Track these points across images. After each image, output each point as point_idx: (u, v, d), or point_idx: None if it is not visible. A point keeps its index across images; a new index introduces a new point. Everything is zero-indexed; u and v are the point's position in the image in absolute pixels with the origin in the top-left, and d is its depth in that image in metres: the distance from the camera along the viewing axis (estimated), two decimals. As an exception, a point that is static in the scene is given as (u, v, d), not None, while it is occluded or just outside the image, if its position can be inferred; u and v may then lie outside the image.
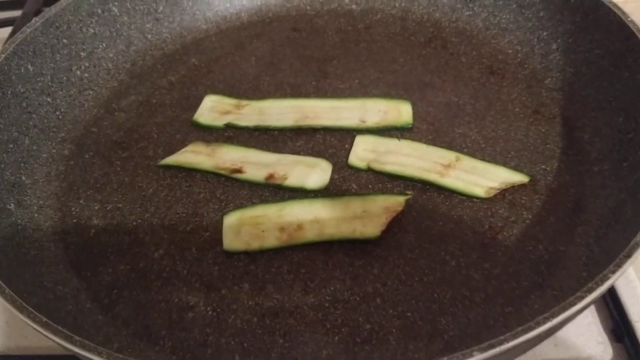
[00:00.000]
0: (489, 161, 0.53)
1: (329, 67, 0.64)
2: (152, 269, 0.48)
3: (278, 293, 0.46)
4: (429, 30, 0.67)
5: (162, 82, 0.64)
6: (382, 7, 0.71)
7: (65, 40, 0.61)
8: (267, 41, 0.68)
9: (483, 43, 0.65)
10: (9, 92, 0.55)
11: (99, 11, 0.64)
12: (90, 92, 0.62)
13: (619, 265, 0.36)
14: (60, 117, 0.59)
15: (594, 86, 0.55)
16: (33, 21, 0.58)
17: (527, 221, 0.49)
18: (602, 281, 0.35)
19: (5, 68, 0.55)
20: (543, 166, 0.52)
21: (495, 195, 0.50)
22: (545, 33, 0.61)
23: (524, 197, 0.50)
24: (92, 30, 0.63)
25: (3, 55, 0.55)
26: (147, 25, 0.67)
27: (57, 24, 0.60)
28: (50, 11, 0.60)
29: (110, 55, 0.65)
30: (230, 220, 0.50)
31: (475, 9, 0.67)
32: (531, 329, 0.33)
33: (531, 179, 0.51)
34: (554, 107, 0.57)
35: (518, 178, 0.51)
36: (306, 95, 0.61)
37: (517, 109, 0.58)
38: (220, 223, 0.50)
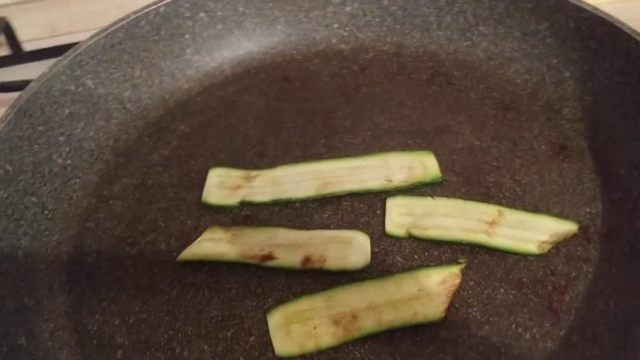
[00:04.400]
0: (532, 211, 0.50)
1: (335, 120, 0.60)
2: (201, 391, 0.42)
3: (350, 400, 0.41)
4: (428, 65, 0.64)
5: (154, 158, 0.58)
6: (372, 44, 0.67)
7: (40, 128, 0.54)
8: (259, 95, 0.63)
9: (488, 75, 0.62)
10: (-6, 201, 0.48)
11: (73, 87, 0.57)
12: (77, 181, 0.56)
13: None
14: (49, 216, 0.52)
15: (619, 115, 0.54)
16: (4, 114, 0.51)
17: (590, 275, 0.46)
18: None
19: (-17, 176, 0.48)
20: (587, 209, 0.50)
21: (549, 251, 0.47)
22: (555, 60, 0.59)
23: (578, 248, 0.48)
24: (67, 110, 0.56)
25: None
26: (125, 94, 0.61)
27: (30, 112, 0.53)
28: (21, 99, 0.52)
29: (91, 134, 0.58)
30: (275, 319, 0.45)
31: (473, 38, 0.64)
32: None
33: (580, 226, 0.49)
34: (580, 139, 0.55)
35: (567, 227, 0.49)
36: (319, 156, 0.56)
37: (543, 147, 0.55)
38: (263, 323, 0.45)
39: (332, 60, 0.66)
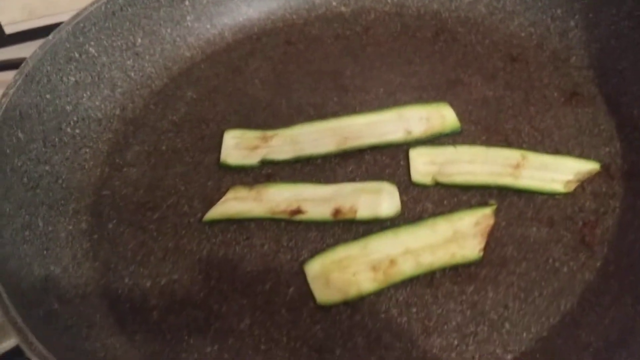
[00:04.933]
0: (554, 154, 0.50)
1: (345, 79, 0.59)
2: (245, 344, 0.42)
3: (398, 340, 0.41)
4: (432, 23, 0.64)
5: (165, 125, 0.57)
6: (373, 5, 0.67)
7: (48, 96, 0.52)
8: (264, 60, 0.62)
9: (492, 30, 0.63)
10: (8, 169, 0.46)
11: (77, 55, 0.55)
12: (87, 150, 0.54)
13: None
14: (64, 186, 0.50)
15: (629, 59, 0.55)
16: (13, 81, 0.49)
17: (617, 210, 0.47)
18: None
19: (-1, 142, 0.46)
20: (607, 149, 0.51)
21: (575, 189, 0.48)
22: (559, 11, 0.60)
23: (603, 185, 0.49)
24: (73, 79, 0.55)
25: (-7, 128, 0.45)
26: (128, 62, 0.59)
27: (37, 79, 0.51)
28: (27, 65, 0.50)
29: (97, 103, 0.56)
30: (314, 269, 0.45)
31: (474, -6, 0.64)
32: None
33: (602, 164, 0.49)
34: (590, 86, 0.56)
35: (590, 166, 0.49)
36: (333, 114, 0.56)
37: (555, 94, 0.56)
38: (300, 274, 0.45)
39: (333, 23, 0.66)
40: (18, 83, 0.49)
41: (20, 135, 0.49)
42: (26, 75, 0.50)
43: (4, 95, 0.48)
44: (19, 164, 0.48)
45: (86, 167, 0.53)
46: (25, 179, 0.47)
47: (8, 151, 0.47)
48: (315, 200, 0.49)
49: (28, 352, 0.34)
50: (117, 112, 0.57)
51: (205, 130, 0.56)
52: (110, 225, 0.49)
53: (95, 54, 0.56)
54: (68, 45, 0.54)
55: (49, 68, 0.52)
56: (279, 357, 0.41)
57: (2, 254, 0.40)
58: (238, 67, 0.62)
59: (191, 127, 0.56)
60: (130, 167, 0.53)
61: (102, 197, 0.51)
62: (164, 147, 0.55)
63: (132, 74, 0.59)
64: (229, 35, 0.65)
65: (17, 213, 0.45)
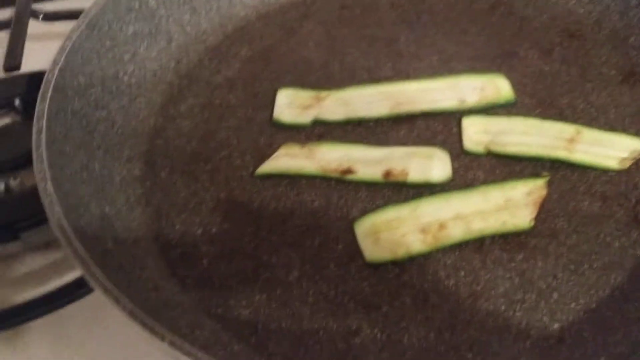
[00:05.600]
0: (609, 130, 0.50)
1: (399, 45, 0.59)
2: (293, 295, 0.42)
3: (445, 302, 0.41)
4: (488, -5, 0.63)
5: (218, 80, 0.57)
6: (429, -25, 0.66)
7: (108, 43, 0.53)
8: (318, 23, 0.62)
9: (550, 4, 0.62)
10: (69, 111, 0.47)
11: (137, 5, 0.56)
12: (142, 100, 0.55)
13: None
14: (119, 132, 0.51)
15: (693, 41, 0.53)
16: (76, 25, 0.50)
17: (672, 189, 0.47)
18: None
19: (61, 83, 0.47)
20: (663, 129, 0.50)
21: (629, 167, 0.48)
22: (621, -11, 0.59)
23: (658, 164, 0.48)
24: (132, 28, 0.55)
25: (57, 68, 0.46)
26: (185, 17, 0.60)
27: (99, 26, 0.52)
28: (90, 12, 0.51)
29: (153, 54, 0.57)
30: (363, 228, 0.45)
31: (534, -31, 0.63)
32: None
33: (658, 144, 0.49)
34: (649, 66, 0.55)
35: (646, 145, 0.49)
36: (387, 79, 0.55)
37: (612, 72, 0.55)
38: (349, 232, 0.45)
39: (389, -9, 0.65)
40: (81, 28, 0.50)
41: (80, 79, 0.49)
42: (89, 21, 0.51)
43: (68, 38, 0.49)
44: (79, 107, 0.48)
45: (141, 116, 0.54)
46: (84, 122, 0.48)
47: (70, 93, 0.48)
48: (366, 161, 0.49)
49: (92, 283, 0.35)
50: (172, 64, 0.58)
51: (258, 87, 0.56)
52: (163, 174, 0.50)
53: (154, 6, 0.57)
54: (128, -5, 0.55)
55: (110, 16, 0.53)
56: (326, 310, 0.41)
57: (63, 190, 0.41)
58: (292, 29, 0.62)
59: (244, 84, 0.57)
60: (183, 119, 0.54)
61: (156, 146, 0.52)
62: (217, 102, 0.55)
63: (188, 29, 0.60)
64: (284, -5, 0.65)
65: (76, 154, 0.46)
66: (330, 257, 0.44)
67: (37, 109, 0.44)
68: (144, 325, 0.33)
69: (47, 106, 0.44)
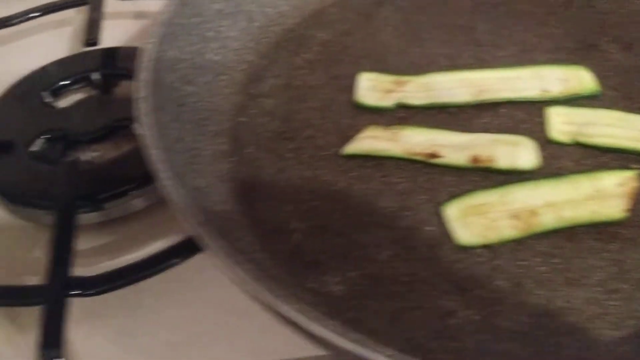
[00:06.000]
0: (699, 128, 0.50)
1: (478, 34, 0.59)
2: (385, 274, 0.43)
3: (540, 288, 0.42)
4: (566, -12, 0.63)
5: (298, 61, 0.58)
6: (505, -34, 0.66)
7: (194, 19, 0.54)
8: (395, 9, 0.63)
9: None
10: (163, 84, 0.48)
11: (222, -17, 0.56)
12: (225, 77, 0.55)
13: None
14: (205, 107, 0.52)
15: None
16: (170, 0, 0.50)
17: None
18: None
19: (157, 56, 0.47)
20: None
21: None
22: None
23: None
24: (216, 6, 0.56)
25: (155, 42, 0.47)
26: (264, -3, 0.60)
27: (187, 1, 0.52)
28: (182, -12, 0.52)
29: (235, 33, 0.57)
30: (453, 211, 0.45)
31: (614, -37, 0.63)
32: None
33: None
34: None
35: None
36: (467, 67, 0.56)
37: (695, 69, 0.55)
38: (437, 216, 0.45)
39: (464, -20, 0.65)
40: (175, 3, 0.50)
41: (171, 53, 0.50)
42: (181, -2, 0.51)
43: (162, 13, 0.49)
44: (170, 81, 0.49)
45: (224, 92, 0.54)
46: (175, 95, 0.49)
47: (164, 66, 0.48)
48: (452, 146, 0.49)
49: (205, 242, 0.35)
50: (252, 44, 0.58)
51: (338, 70, 0.56)
52: (248, 150, 0.50)
53: (237, -16, 0.57)
54: (215, -27, 0.55)
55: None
56: (420, 290, 0.42)
57: (161, 159, 0.42)
58: (369, 14, 0.62)
59: (324, 66, 0.57)
60: (265, 98, 0.54)
61: (240, 124, 0.52)
62: (297, 83, 0.56)
63: (268, 10, 0.60)
64: (361, -19, 0.65)
65: (170, 125, 0.46)
66: (420, 239, 0.44)
67: (138, 79, 0.44)
68: (261, 293, 0.33)
69: (146, 77, 0.44)
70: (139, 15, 0.71)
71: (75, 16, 0.71)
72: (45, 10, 0.70)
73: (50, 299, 0.42)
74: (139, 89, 0.43)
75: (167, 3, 0.50)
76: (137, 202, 0.51)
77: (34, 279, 0.46)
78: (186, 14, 0.52)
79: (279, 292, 0.35)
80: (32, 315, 0.42)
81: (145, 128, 0.41)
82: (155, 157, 0.39)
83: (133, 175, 0.50)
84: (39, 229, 0.50)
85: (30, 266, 0.47)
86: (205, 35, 0.54)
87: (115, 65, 0.62)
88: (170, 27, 0.50)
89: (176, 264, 0.43)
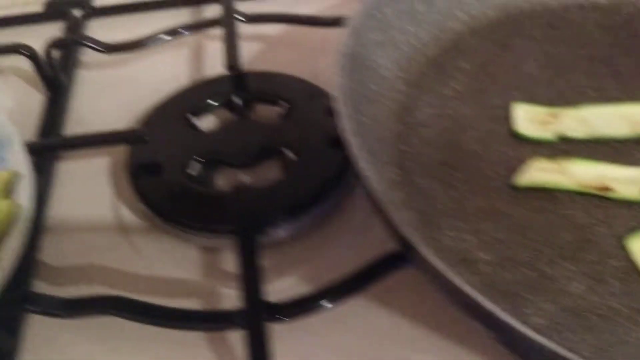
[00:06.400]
0: None
1: (618, 66, 0.60)
2: (582, 306, 0.44)
3: None
4: (696, 22, 0.65)
5: (447, 91, 0.59)
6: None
7: (358, 49, 0.54)
8: (530, 40, 0.64)
9: None
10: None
11: (377, 14, 0.57)
12: (380, 106, 0.56)
13: None
14: (374, 136, 0.53)
15: None
16: (345, 32, 0.52)
17: None
18: None
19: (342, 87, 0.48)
20: None
21: None
22: None
23: None
24: (374, 38, 0.57)
25: (343, 73, 0.48)
26: (410, 28, 0.61)
27: (357, 31, 0.54)
28: (352, 20, 0.53)
29: (388, 64, 0.58)
30: (637, 246, 0.46)
31: None
32: None
33: None
34: None
35: None
36: (616, 99, 0.57)
37: None
38: (620, 249, 0.46)
39: (592, 12, 0.67)
40: (348, 34, 0.52)
41: (345, 80, 0.51)
42: (352, 27, 0.52)
43: (344, 44, 0.51)
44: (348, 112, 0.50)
45: (385, 122, 0.55)
46: (352, 124, 0.50)
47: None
48: (623, 180, 0.50)
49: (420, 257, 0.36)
50: (401, 74, 0.59)
51: (488, 100, 0.58)
52: (418, 179, 0.51)
53: (390, 16, 0.59)
54: (370, 5, 0.57)
55: (361, 21, 0.55)
56: (623, 325, 0.42)
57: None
58: (506, 45, 0.63)
59: (474, 96, 0.58)
60: (423, 127, 0.55)
61: (402, 152, 0.53)
62: (451, 112, 0.57)
63: (412, 40, 0.61)
64: (492, 13, 0.66)
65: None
66: (609, 272, 0.45)
67: (340, 112, 0.45)
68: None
69: (344, 110, 0.46)
70: (255, 38, 0.73)
71: (194, 38, 0.73)
72: (173, 32, 0.71)
73: (252, 324, 0.43)
74: (343, 122, 0.44)
75: (343, 35, 0.51)
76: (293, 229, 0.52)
77: (195, 301, 0.47)
78: (353, 45, 0.53)
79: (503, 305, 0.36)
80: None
81: (349, 144, 0.42)
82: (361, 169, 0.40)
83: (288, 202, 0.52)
84: (189, 249, 0.51)
85: (186, 287, 0.49)
86: (366, 65, 0.55)
87: (256, 89, 0.64)
88: (344, 59, 0.51)
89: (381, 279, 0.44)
